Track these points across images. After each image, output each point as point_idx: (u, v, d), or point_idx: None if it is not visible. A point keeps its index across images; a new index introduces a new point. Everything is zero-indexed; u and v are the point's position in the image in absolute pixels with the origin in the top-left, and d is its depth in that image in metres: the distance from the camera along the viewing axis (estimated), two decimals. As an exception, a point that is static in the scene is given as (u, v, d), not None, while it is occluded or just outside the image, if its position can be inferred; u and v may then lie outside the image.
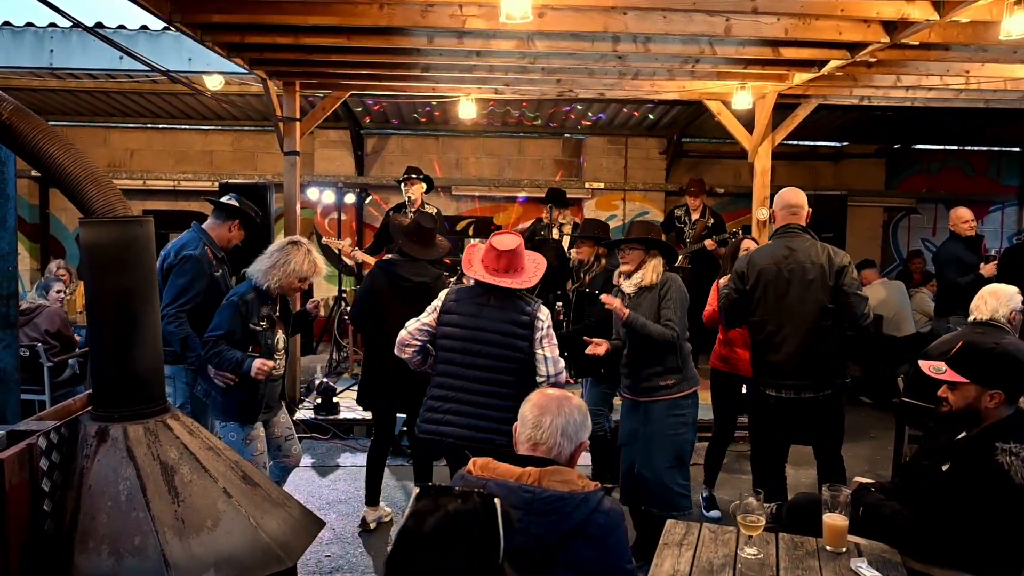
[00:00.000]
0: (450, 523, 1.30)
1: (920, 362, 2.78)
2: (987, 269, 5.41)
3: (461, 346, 3.20)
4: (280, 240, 3.61)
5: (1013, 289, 3.79)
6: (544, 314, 3.24)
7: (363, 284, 4.26)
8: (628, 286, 3.65)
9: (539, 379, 3.19)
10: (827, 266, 3.58)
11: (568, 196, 8.50)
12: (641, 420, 3.59)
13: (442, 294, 3.34)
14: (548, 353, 3.18)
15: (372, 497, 4.21)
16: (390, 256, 4.29)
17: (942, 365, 2.64)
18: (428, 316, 3.29)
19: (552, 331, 3.25)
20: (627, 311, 3.49)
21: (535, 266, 3.28)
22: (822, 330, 3.59)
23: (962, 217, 5.80)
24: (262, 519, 2.36)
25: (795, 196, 3.77)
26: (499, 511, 1.34)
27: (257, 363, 3.35)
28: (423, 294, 3.87)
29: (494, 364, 3.18)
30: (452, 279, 7.00)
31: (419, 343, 3.29)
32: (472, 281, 3.33)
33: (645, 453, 3.55)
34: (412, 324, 3.30)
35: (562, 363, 3.24)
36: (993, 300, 3.72)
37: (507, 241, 3.23)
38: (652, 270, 3.60)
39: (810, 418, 3.68)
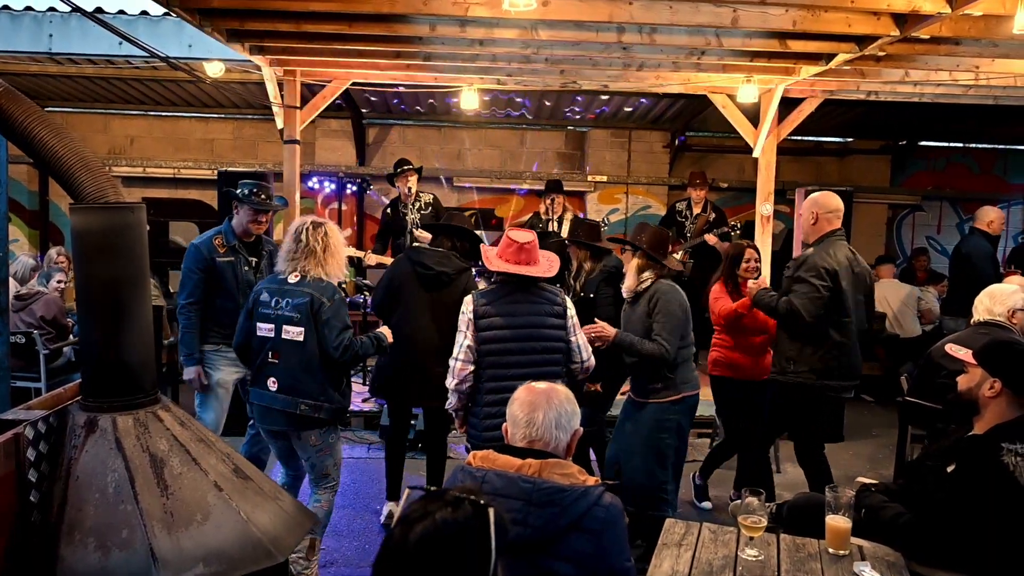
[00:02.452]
0: (437, 533, 1.21)
1: (948, 345, 2.86)
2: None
3: (506, 348, 3.17)
4: (301, 233, 3.31)
5: (1012, 288, 3.75)
6: (570, 302, 3.32)
7: (386, 273, 4.21)
8: (625, 292, 3.74)
9: (574, 366, 3.29)
10: (869, 269, 3.80)
11: (570, 189, 8.47)
12: (633, 417, 3.64)
13: (467, 303, 3.25)
14: (580, 340, 3.29)
15: (393, 492, 4.19)
16: (417, 244, 4.29)
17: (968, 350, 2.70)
18: (466, 336, 3.20)
19: (578, 319, 3.34)
20: (613, 332, 3.54)
21: (548, 260, 3.34)
22: (864, 330, 3.78)
23: (1002, 217, 5.99)
24: (253, 513, 2.32)
25: (838, 200, 3.86)
26: (492, 521, 1.25)
27: (386, 332, 3.56)
28: (444, 285, 3.90)
29: (542, 358, 3.19)
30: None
31: (472, 365, 3.20)
32: (480, 283, 3.31)
33: (629, 450, 3.59)
34: (458, 353, 3.21)
35: (590, 348, 3.34)
36: (988, 300, 3.73)
37: (525, 235, 3.27)
38: (632, 272, 3.65)
39: (840, 415, 3.79)
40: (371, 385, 4.22)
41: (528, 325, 3.18)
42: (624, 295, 3.74)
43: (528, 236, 3.25)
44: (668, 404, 3.54)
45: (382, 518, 4.22)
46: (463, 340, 3.20)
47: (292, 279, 3.28)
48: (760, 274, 4.36)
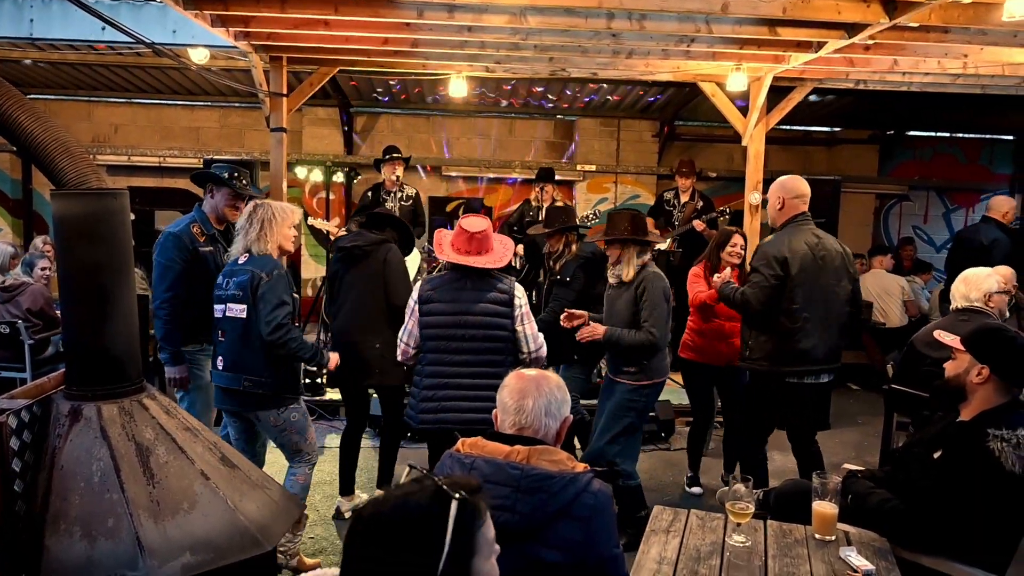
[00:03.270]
0: (387, 513, 1.18)
1: (936, 331, 2.88)
2: None
3: (446, 332, 3.20)
4: (246, 212, 3.40)
5: (985, 272, 3.77)
6: (520, 291, 3.29)
7: None
8: (611, 276, 3.76)
9: (521, 356, 3.27)
10: (844, 253, 3.72)
11: (559, 178, 8.45)
12: (607, 395, 3.78)
13: (415, 288, 3.32)
14: (528, 330, 3.27)
15: (347, 486, 4.13)
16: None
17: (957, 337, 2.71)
18: (409, 319, 3.29)
19: (529, 308, 3.31)
20: (602, 330, 3.63)
21: (503, 247, 3.33)
22: (846, 315, 3.72)
23: (1015, 206, 5.91)
24: (241, 501, 2.31)
25: (804, 185, 3.83)
26: (452, 513, 1.19)
27: (334, 357, 3.60)
28: (358, 258, 3.94)
29: (481, 346, 3.19)
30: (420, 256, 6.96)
31: (415, 349, 3.30)
32: (441, 268, 3.31)
33: (600, 423, 3.76)
34: (404, 336, 3.31)
35: (541, 338, 3.32)
36: (963, 286, 3.73)
37: (477, 223, 3.25)
38: (627, 264, 3.66)
39: (816, 402, 3.77)
40: (328, 377, 4.23)
41: (469, 312, 3.18)
42: (610, 279, 3.76)
43: (480, 225, 3.24)
44: (638, 387, 3.66)
45: (332, 511, 4.16)
46: (407, 324, 3.30)
47: (241, 260, 3.32)
48: (743, 260, 4.38)
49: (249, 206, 3.42)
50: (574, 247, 4.35)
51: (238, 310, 3.26)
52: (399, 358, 3.37)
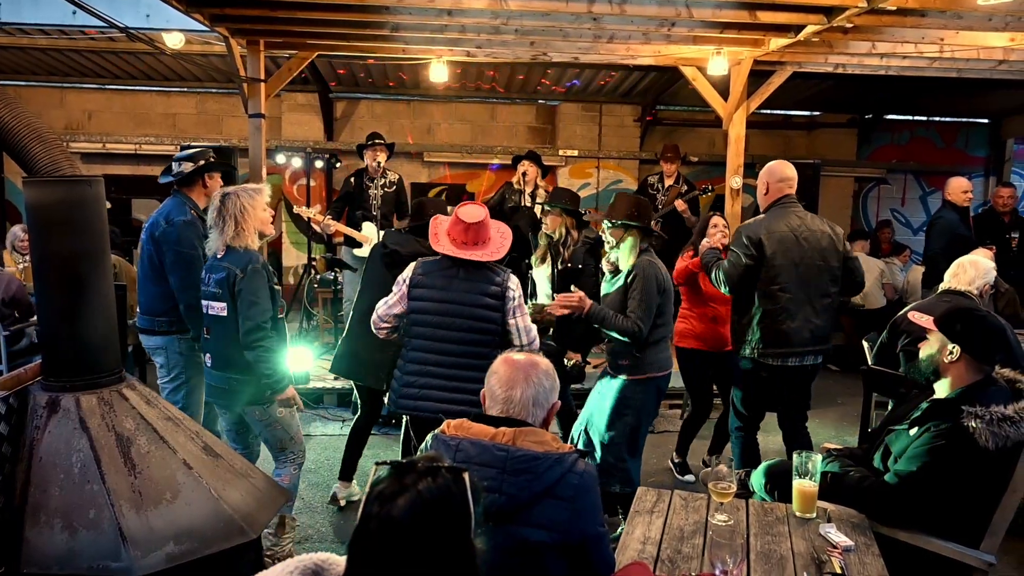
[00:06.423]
0: (423, 503, 1.21)
1: (911, 313, 2.86)
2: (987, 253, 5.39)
3: (434, 320, 3.14)
4: (215, 206, 3.21)
5: (991, 264, 3.81)
6: (514, 283, 3.20)
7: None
8: (606, 263, 3.69)
9: (513, 349, 3.18)
10: (832, 234, 3.71)
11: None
12: (602, 391, 3.68)
13: (408, 269, 3.24)
14: (520, 323, 3.18)
15: (347, 472, 4.12)
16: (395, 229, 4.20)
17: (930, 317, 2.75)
18: (395, 295, 3.22)
19: (523, 300, 3.22)
20: (588, 303, 3.53)
21: (501, 236, 3.24)
22: (830, 296, 3.72)
23: (961, 187, 5.78)
24: (224, 490, 2.30)
25: (789, 169, 3.83)
26: (468, 485, 1.25)
27: (290, 392, 3.27)
28: (396, 264, 3.71)
29: (468, 336, 3.13)
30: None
31: (391, 324, 3.25)
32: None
33: (598, 421, 3.64)
34: (381, 307, 3.24)
35: (535, 330, 3.24)
36: (972, 270, 3.73)
37: (474, 212, 3.16)
38: (627, 251, 3.55)
39: (798, 385, 3.77)
40: (333, 365, 4.16)
41: (459, 302, 3.12)
42: (604, 267, 3.71)
43: (478, 215, 3.15)
44: (633, 382, 3.55)
45: (317, 499, 4.15)
46: (391, 300, 3.21)
47: (220, 254, 3.21)
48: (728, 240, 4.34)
49: (216, 199, 3.24)
50: (574, 233, 4.32)
51: (219, 308, 3.19)
52: (374, 327, 3.27)
